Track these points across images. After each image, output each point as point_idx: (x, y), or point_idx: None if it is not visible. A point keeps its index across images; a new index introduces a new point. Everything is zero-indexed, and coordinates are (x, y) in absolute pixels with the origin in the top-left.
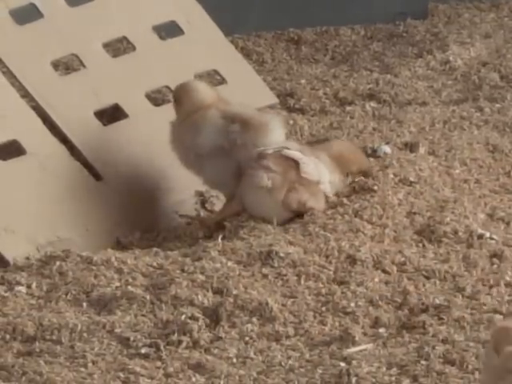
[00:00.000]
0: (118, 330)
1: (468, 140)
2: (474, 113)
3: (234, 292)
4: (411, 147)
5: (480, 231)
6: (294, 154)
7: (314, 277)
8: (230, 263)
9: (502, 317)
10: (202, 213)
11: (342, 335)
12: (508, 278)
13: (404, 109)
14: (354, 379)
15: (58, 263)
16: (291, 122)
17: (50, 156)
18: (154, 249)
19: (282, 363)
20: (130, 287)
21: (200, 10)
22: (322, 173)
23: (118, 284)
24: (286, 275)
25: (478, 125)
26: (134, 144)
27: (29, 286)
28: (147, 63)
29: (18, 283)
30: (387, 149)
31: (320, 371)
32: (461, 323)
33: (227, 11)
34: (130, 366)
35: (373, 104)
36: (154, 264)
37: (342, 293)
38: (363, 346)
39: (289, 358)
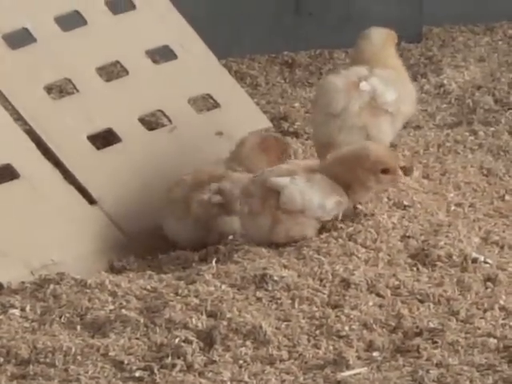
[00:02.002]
0: (112, 353)
1: (462, 164)
2: (468, 136)
3: (228, 315)
4: (405, 171)
5: (474, 255)
6: (277, 182)
7: (308, 300)
8: (224, 286)
9: (496, 341)
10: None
11: (335, 359)
12: (502, 302)
13: (398, 132)
14: None
15: (51, 286)
16: None
17: (43, 180)
18: (148, 272)
19: None
20: (123, 310)
21: (193, 34)
22: (308, 199)
23: (111, 307)
24: (280, 299)
25: (472, 148)
26: (128, 168)
27: (23, 309)
28: (140, 87)
29: (12, 306)
30: None
31: None
32: (455, 347)
33: (221, 35)
34: None
35: None
36: (148, 287)
37: (336, 316)
38: (357, 370)
39: (283, 381)
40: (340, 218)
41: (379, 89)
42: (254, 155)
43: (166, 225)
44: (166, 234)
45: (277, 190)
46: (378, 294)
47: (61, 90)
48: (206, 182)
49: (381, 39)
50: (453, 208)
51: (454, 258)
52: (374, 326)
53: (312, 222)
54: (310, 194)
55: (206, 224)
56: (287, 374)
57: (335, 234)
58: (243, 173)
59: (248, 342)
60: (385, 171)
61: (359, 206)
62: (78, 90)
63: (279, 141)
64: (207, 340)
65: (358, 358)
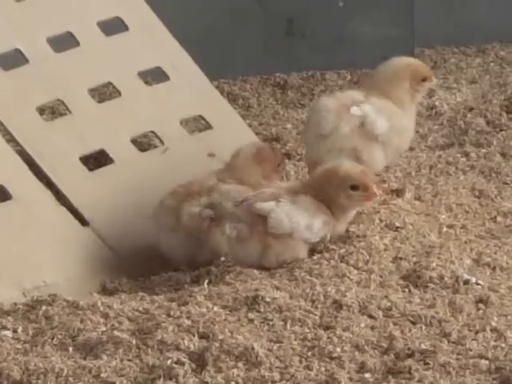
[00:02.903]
0: (103, 375)
1: (454, 185)
2: (460, 158)
3: (220, 337)
4: (397, 192)
5: (466, 277)
6: (263, 208)
7: (300, 322)
8: (216, 308)
9: (487, 362)
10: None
11: (327, 380)
12: (494, 324)
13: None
14: None
15: (44, 308)
16: None
17: (35, 201)
18: (140, 293)
19: None
20: (115, 332)
21: (185, 55)
22: (296, 222)
23: (103, 328)
24: (272, 320)
25: (464, 170)
26: (120, 189)
27: (15, 331)
28: (133, 108)
29: (4, 327)
30: None
31: None
32: (446, 368)
33: (213, 56)
34: None
35: None
36: (140, 309)
37: (328, 338)
38: None
39: None
40: (328, 238)
41: (370, 116)
42: (248, 166)
43: (158, 237)
44: (159, 248)
45: (264, 215)
46: (370, 316)
47: (53, 111)
48: (197, 193)
49: (393, 70)
50: (445, 229)
51: (446, 279)
52: (366, 347)
53: (302, 244)
54: (296, 216)
55: (197, 238)
56: None
57: (327, 255)
58: (234, 184)
59: (240, 364)
60: (354, 187)
61: (351, 228)
62: (70, 111)
63: (276, 152)
64: (199, 361)
65: (350, 379)
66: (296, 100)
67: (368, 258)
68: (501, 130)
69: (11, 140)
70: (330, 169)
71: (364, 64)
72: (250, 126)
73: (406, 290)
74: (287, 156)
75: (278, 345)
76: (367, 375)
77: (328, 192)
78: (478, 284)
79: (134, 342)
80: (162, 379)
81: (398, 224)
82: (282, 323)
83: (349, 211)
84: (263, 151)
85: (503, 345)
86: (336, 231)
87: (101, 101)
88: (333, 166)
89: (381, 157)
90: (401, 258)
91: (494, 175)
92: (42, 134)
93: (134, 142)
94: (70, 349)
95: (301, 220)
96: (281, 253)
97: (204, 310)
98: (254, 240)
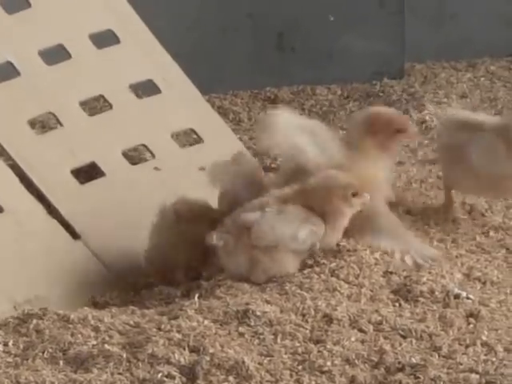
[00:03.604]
0: None
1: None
2: None
3: (211, 350)
4: (388, 207)
5: (456, 291)
6: (247, 218)
7: (291, 336)
8: (206, 322)
9: (478, 376)
10: None
11: None
12: (484, 338)
13: None
14: None
15: (34, 321)
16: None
17: (26, 214)
18: (131, 307)
19: None
20: (106, 345)
21: (177, 69)
22: (280, 232)
23: (94, 342)
24: (262, 334)
25: None
26: (111, 202)
27: (5, 344)
28: (124, 122)
29: None
30: None
31: None
32: (437, 382)
33: (204, 70)
34: None
35: None
36: (131, 322)
37: (319, 352)
38: None
39: None
40: (318, 247)
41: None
42: (359, 136)
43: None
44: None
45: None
46: (361, 330)
47: (44, 124)
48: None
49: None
50: (435, 244)
51: (437, 293)
52: (357, 361)
53: (290, 256)
54: (280, 227)
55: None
56: None
57: (318, 269)
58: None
59: (230, 378)
60: (354, 195)
61: (341, 243)
62: (61, 124)
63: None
64: (190, 375)
65: None
66: None
67: (358, 272)
68: None
69: (2, 153)
70: (328, 182)
71: (354, 79)
72: (240, 140)
73: (397, 304)
74: (277, 171)
75: (268, 359)
76: None
77: (331, 203)
78: (468, 298)
79: (124, 355)
80: None
81: None
82: (272, 337)
83: (347, 218)
84: (379, 116)
85: (493, 359)
86: (332, 239)
87: (92, 114)
88: (330, 178)
89: None
90: (391, 273)
91: None
92: (33, 147)
93: (126, 155)
94: (61, 362)
95: (285, 230)
96: (268, 268)
97: (194, 323)
98: (239, 252)
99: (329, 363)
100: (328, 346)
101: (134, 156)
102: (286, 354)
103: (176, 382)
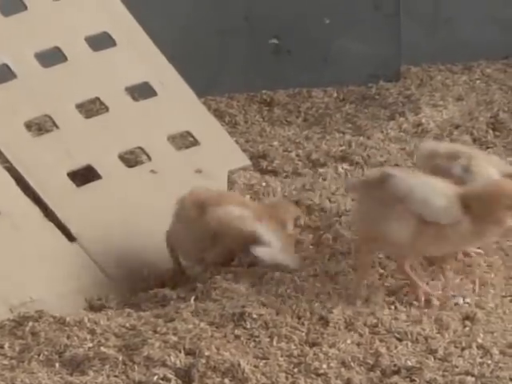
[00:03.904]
0: None
1: None
2: None
3: (207, 353)
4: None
5: (455, 300)
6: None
7: (287, 338)
8: (202, 324)
9: (474, 379)
10: None
11: None
12: (480, 340)
13: None
14: None
15: (30, 324)
16: (264, 183)
17: (23, 216)
18: (127, 309)
19: None
20: (102, 348)
21: (173, 71)
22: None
23: (90, 345)
24: (258, 336)
25: None
26: (107, 205)
27: (1, 347)
28: (120, 124)
29: None
30: None
31: None
32: None
33: (200, 73)
34: None
35: (345, 166)
36: (127, 325)
37: (315, 354)
38: None
39: None
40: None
41: None
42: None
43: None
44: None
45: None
46: (357, 332)
47: (40, 126)
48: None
49: None
50: None
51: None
52: (352, 363)
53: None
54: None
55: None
56: None
57: (313, 272)
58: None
59: (226, 380)
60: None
61: (336, 246)
62: (57, 127)
63: None
64: (185, 378)
65: None
66: (283, 117)
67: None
68: (487, 148)
69: None
70: (493, 190)
71: (350, 81)
72: (236, 143)
73: (393, 306)
74: (273, 173)
75: (264, 361)
76: None
77: (494, 212)
78: (465, 302)
79: (120, 358)
80: None
81: None
82: (268, 339)
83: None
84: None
85: (489, 362)
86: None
87: (88, 116)
88: (495, 186)
89: None
90: (387, 275)
91: None
92: (29, 150)
93: (122, 157)
94: (57, 365)
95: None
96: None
97: (190, 326)
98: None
99: (324, 366)
100: (324, 349)
101: (131, 159)
102: (281, 356)
103: None
